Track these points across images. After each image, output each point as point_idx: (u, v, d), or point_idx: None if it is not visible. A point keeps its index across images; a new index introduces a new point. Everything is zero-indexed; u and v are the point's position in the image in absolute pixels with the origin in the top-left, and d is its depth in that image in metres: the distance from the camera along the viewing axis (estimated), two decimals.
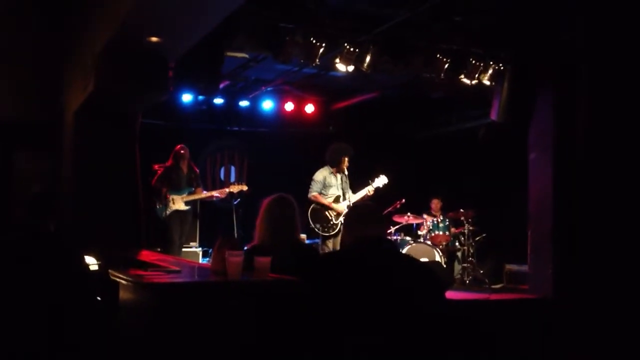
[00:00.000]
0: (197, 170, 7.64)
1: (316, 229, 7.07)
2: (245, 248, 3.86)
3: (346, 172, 7.18)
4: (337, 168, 7.18)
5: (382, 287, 2.62)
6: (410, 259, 2.88)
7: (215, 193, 7.68)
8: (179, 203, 7.26)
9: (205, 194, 7.59)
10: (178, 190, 7.31)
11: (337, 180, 7.17)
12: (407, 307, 2.60)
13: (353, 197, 7.19)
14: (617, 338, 5.43)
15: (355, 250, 2.82)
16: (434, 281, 2.81)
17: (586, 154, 6.07)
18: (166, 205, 7.22)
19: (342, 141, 7.42)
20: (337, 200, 7.11)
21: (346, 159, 7.15)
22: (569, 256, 6.04)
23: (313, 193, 7.15)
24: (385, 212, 7.78)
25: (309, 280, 2.74)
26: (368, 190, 7.23)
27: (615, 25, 5.82)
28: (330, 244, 7.06)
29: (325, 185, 7.15)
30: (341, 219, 6.92)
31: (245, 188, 7.97)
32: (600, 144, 6.03)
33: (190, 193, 7.38)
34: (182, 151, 7.38)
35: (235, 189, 7.81)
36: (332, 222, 7.08)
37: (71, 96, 6.01)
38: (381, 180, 7.32)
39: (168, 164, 7.40)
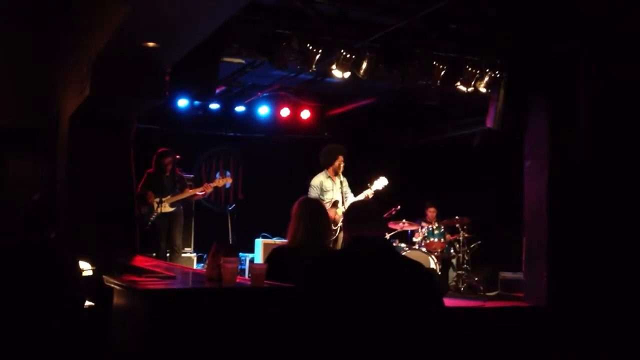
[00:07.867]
0: (182, 173, 7.57)
1: None
2: (275, 248, 3.62)
3: (342, 178, 7.15)
4: (333, 170, 7.13)
5: (380, 290, 2.58)
6: (411, 262, 2.81)
7: (199, 191, 7.51)
8: (164, 206, 7.17)
9: (190, 191, 7.42)
10: (162, 194, 7.21)
11: (334, 184, 7.14)
12: (406, 311, 2.57)
13: (353, 200, 7.14)
14: (610, 345, 5.43)
15: (353, 252, 2.77)
16: (435, 285, 2.78)
17: (581, 162, 6.09)
18: (152, 209, 7.15)
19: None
20: (335, 205, 7.07)
21: (341, 157, 7.11)
22: (563, 264, 6.05)
23: None
24: None
25: (308, 283, 2.69)
26: (367, 193, 7.14)
27: (612, 38, 5.86)
28: None
29: (323, 190, 7.11)
30: (340, 224, 6.86)
31: (230, 181, 7.90)
32: (595, 153, 6.05)
33: (174, 195, 7.29)
34: (163, 154, 7.29)
35: (220, 183, 7.77)
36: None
37: (66, 101, 5.99)
38: (381, 182, 7.17)
39: (151, 169, 7.34)
